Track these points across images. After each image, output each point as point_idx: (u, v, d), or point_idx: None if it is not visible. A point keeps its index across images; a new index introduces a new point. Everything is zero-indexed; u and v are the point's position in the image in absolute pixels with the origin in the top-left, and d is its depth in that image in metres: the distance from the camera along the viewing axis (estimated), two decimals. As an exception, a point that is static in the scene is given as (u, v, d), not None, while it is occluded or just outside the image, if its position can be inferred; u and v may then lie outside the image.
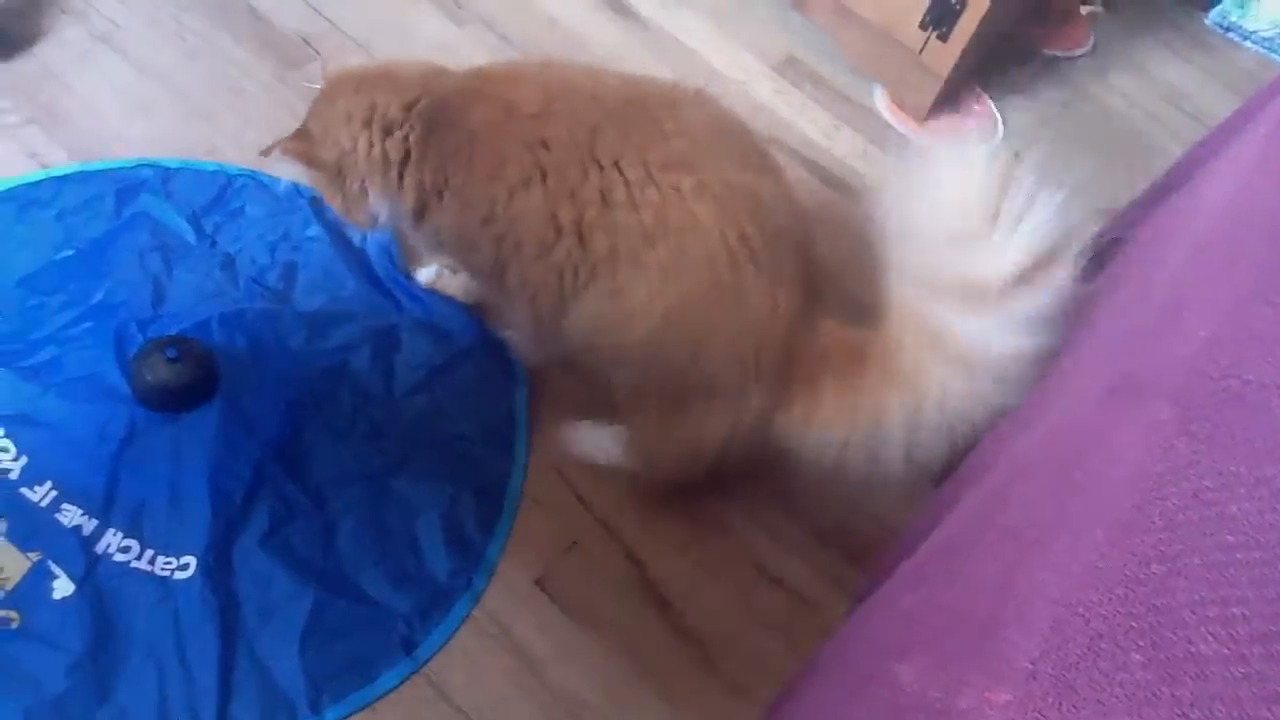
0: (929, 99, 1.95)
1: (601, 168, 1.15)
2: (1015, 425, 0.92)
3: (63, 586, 1.19)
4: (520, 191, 1.17)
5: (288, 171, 1.52)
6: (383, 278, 1.52)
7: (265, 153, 1.28)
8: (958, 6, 1.80)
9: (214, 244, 1.50)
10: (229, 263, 1.48)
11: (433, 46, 1.83)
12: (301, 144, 1.27)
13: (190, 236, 1.49)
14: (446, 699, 1.23)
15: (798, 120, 1.92)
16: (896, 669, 0.61)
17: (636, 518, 1.40)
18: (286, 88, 1.70)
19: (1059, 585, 0.54)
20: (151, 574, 1.21)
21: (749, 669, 1.32)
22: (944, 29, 1.84)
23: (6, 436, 1.26)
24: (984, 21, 1.81)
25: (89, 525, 1.23)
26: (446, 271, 1.51)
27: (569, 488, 1.41)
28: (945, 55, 1.87)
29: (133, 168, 1.53)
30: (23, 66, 1.60)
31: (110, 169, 1.52)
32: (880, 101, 1.99)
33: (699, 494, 1.39)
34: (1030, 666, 0.51)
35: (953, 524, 0.77)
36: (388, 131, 1.23)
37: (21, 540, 1.21)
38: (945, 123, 2.00)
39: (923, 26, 1.85)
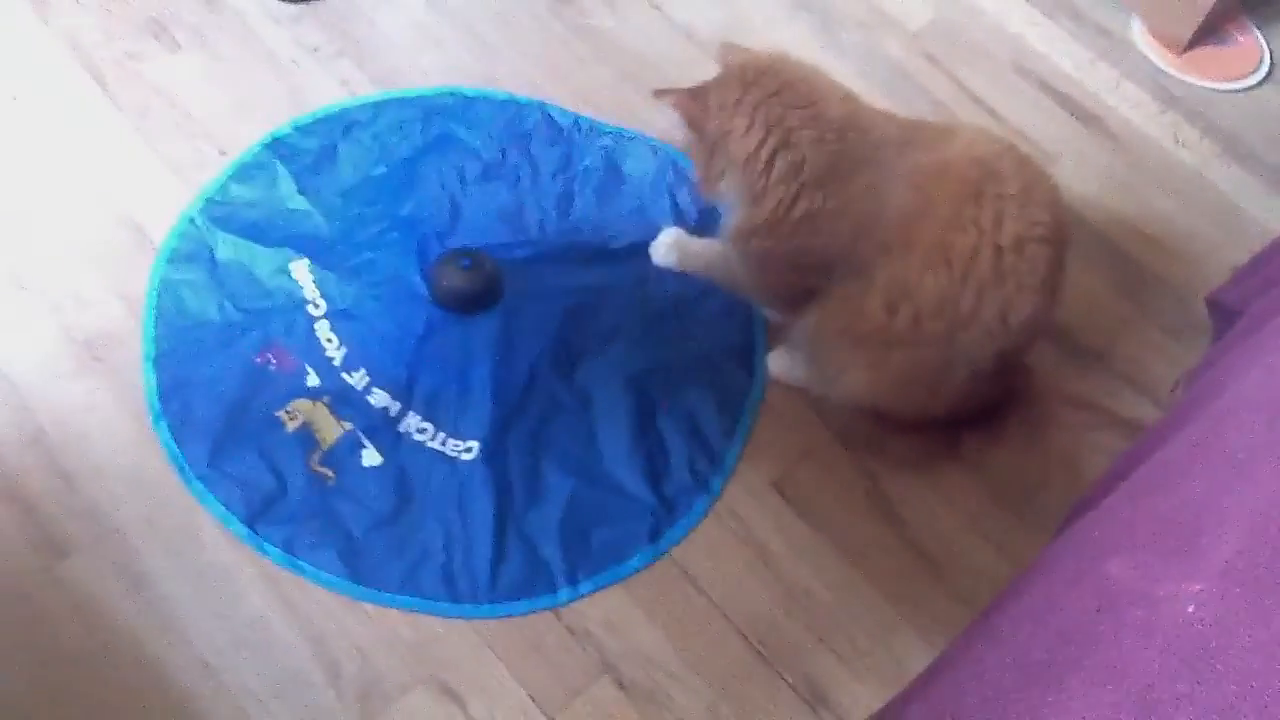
0: (1190, 30, 1.91)
1: (1001, 250, 1.26)
2: (1245, 354, 0.96)
3: (371, 457, 1.40)
4: (924, 268, 1.27)
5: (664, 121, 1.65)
6: (649, 210, 1.66)
7: (659, 94, 1.35)
8: (1228, -65, 1.75)
9: (503, 166, 1.66)
10: (516, 183, 1.65)
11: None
12: (695, 106, 1.33)
13: (484, 158, 1.66)
14: (691, 580, 1.37)
15: (1051, 53, 1.92)
16: (1107, 566, 0.69)
17: (870, 435, 1.49)
18: (560, 22, 1.85)
19: (1258, 499, 0.61)
20: (443, 453, 1.41)
21: (973, 581, 1.41)
22: (1211, -43, 1.80)
23: (333, 330, 1.48)
24: (1256, -51, 1.76)
25: (394, 407, 1.43)
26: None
27: (807, 403, 1.51)
28: (1210, -15, 1.83)
29: (437, 94, 1.72)
30: (336, 4, 1.81)
31: (419, 95, 1.71)
32: (1137, 33, 1.96)
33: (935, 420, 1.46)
34: (1224, 564, 0.59)
35: (1177, 444, 0.83)
36: (783, 144, 1.28)
37: (338, 412, 1.42)
38: (1205, 55, 1.95)
39: (1188, -45, 1.82)
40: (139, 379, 1.43)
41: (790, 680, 1.32)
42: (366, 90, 1.72)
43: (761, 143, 1.29)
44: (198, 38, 1.74)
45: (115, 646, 1.26)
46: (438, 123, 1.68)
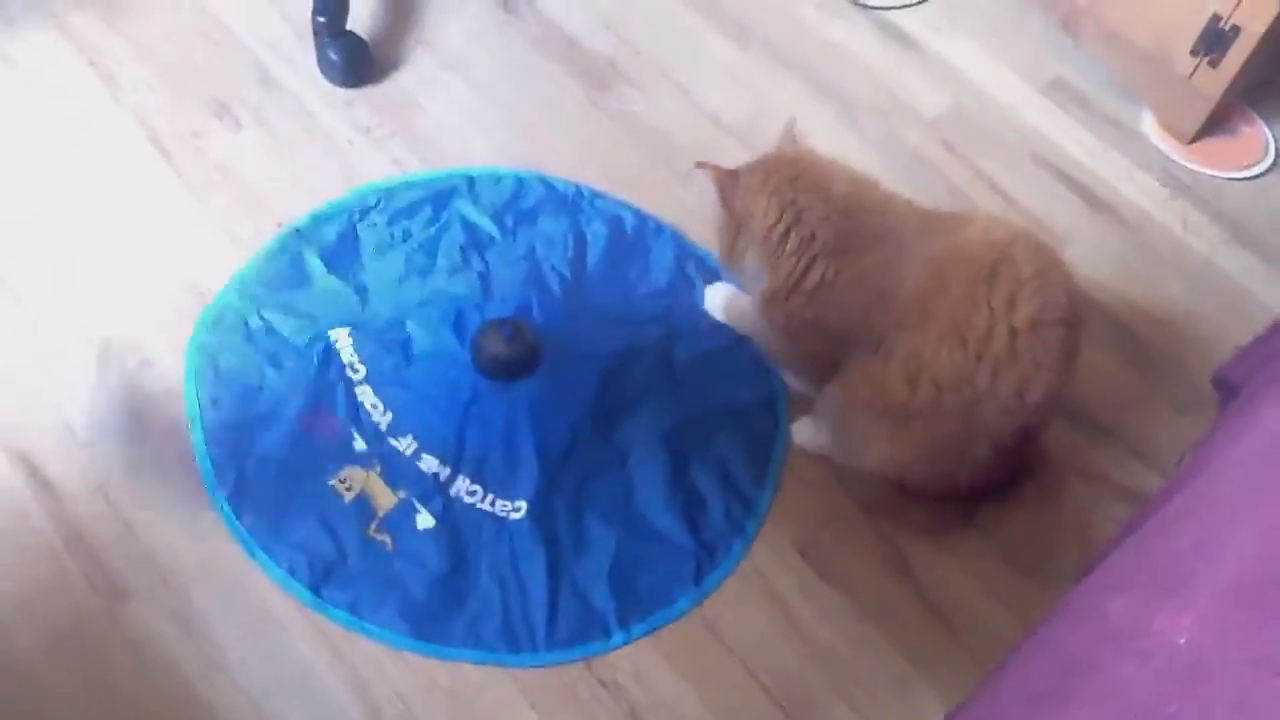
0: (1198, 121, 2.00)
1: (1016, 331, 1.33)
2: (1241, 419, 1.03)
3: (425, 520, 1.47)
4: (939, 343, 1.34)
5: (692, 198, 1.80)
6: (659, 271, 1.76)
7: (699, 165, 1.48)
8: (1230, 34, 1.85)
9: (515, 238, 1.76)
10: (531, 253, 1.74)
11: (720, 70, 2.04)
12: (727, 182, 1.47)
13: (496, 233, 1.76)
14: (716, 636, 1.43)
15: (1063, 141, 2.02)
16: (1108, 605, 0.76)
17: (891, 503, 1.55)
18: (597, 108, 1.96)
19: (1244, 542, 0.68)
20: (492, 514, 1.49)
21: (987, 642, 1.46)
22: (1215, 55, 1.89)
23: (376, 395, 1.56)
24: (1258, 48, 1.85)
25: (444, 472, 1.51)
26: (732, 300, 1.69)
27: (829, 470, 1.58)
28: (1216, 80, 1.93)
29: (444, 177, 1.82)
30: (388, 89, 1.93)
31: (427, 179, 1.81)
32: (1148, 124, 2.06)
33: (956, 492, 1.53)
34: (1213, 598, 0.66)
35: (1176, 503, 0.90)
36: (795, 222, 1.41)
37: (391, 481, 1.50)
38: (1214, 145, 2.04)
39: (1194, 53, 1.91)
40: (192, 436, 1.51)
41: (811, 734, 1.38)
42: (416, 169, 1.82)
43: (777, 221, 1.42)
44: (258, 118, 1.86)
45: (167, 685, 1.33)
46: (448, 203, 1.78)
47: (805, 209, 1.41)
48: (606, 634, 1.42)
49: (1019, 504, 1.58)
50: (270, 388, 1.55)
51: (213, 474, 1.47)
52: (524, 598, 1.43)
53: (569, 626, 1.42)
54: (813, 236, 1.40)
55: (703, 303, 1.71)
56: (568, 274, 1.72)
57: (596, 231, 1.78)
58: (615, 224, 1.79)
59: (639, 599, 1.44)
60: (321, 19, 1.87)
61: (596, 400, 1.58)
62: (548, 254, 1.74)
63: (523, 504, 1.49)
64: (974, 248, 1.37)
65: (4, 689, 1.31)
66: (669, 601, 1.45)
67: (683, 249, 1.78)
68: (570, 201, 1.81)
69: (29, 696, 1.31)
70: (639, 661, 1.41)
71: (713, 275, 1.75)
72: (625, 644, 1.42)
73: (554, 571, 1.45)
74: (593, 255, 1.76)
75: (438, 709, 1.35)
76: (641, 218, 1.81)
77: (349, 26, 1.91)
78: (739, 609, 1.46)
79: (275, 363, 1.57)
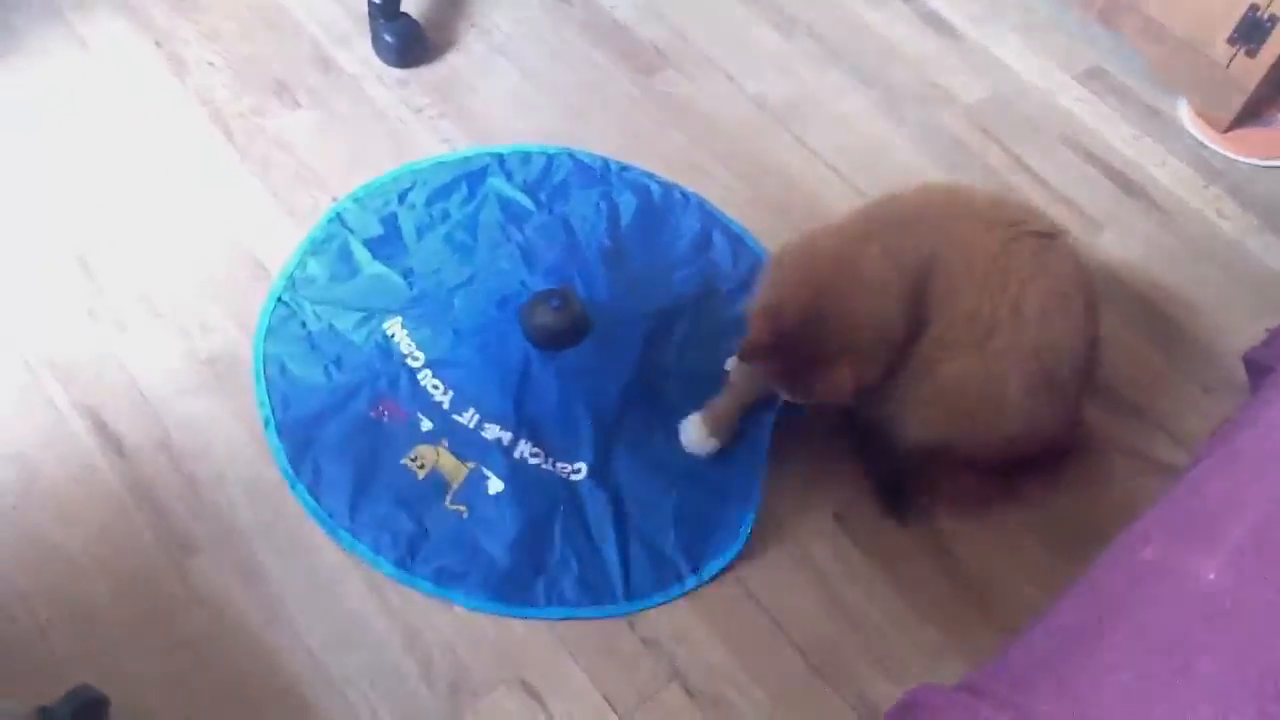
0: (1233, 110, 2.03)
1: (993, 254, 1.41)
2: (1267, 391, 1.08)
3: (495, 485, 1.53)
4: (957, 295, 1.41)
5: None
6: (688, 236, 1.82)
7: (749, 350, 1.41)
8: (1268, 24, 1.88)
9: (551, 211, 1.82)
10: (567, 225, 1.80)
11: (766, 57, 2.09)
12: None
13: (532, 206, 1.82)
14: (754, 599, 1.48)
15: (1100, 128, 2.05)
16: (1141, 551, 0.81)
17: (930, 477, 1.60)
18: (641, 90, 2.01)
19: (1267, 493, 0.73)
20: (555, 474, 1.55)
21: (1021, 616, 1.48)
22: (1253, 45, 1.92)
23: (435, 377, 1.62)
24: (1295, 38, 1.88)
25: (506, 438, 1.57)
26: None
27: (865, 442, 1.63)
28: (1253, 70, 1.96)
29: (476, 156, 1.88)
30: (440, 70, 1.99)
31: (459, 159, 1.87)
32: (1184, 113, 2.09)
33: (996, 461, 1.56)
34: (1238, 543, 0.71)
35: (1204, 466, 0.95)
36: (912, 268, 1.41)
37: (459, 453, 1.56)
38: (1248, 134, 2.07)
39: (1231, 42, 1.94)
40: (253, 397, 1.58)
41: (845, 697, 1.42)
42: (466, 147, 1.88)
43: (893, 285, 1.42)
44: (315, 97, 1.93)
45: (230, 635, 1.40)
46: (482, 181, 1.84)
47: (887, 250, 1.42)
48: (680, 577, 1.48)
49: (1060, 482, 1.61)
50: (336, 384, 1.60)
51: (290, 469, 1.52)
52: (595, 554, 1.49)
53: (643, 576, 1.48)
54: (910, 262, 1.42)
55: (684, 441, 1.58)
56: (605, 242, 1.78)
57: (627, 201, 1.84)
58: (643, 193, 1.86)
59: (706, 539, 1.51)
60: (377, 2, 1.94)
61: (642, 362, 1.63)
62: (583, 224, 1.80)
63: (582, 465, 1.55)
64: (974, 203, 1.50)
65: (74, 631, 1.38)
66: (734, 537, 1.51)
67: (708, 214, 1.85)
68: (599, 174, 1.87)
69: (97, 638, 1.38)
70: (678, 622, 1.46)
71: (737, 239, 1.82)
72: (699, 585, 1.48)
73: (621, 526, 1.51)
74: (625, 223, 1.82)
75: (486, 661, 1.40)
76: (667, 186, 1.87)
77: (404, 9, 1.97)
78: (776, 575, 1.51)
79: (338, 361, 1.62)
